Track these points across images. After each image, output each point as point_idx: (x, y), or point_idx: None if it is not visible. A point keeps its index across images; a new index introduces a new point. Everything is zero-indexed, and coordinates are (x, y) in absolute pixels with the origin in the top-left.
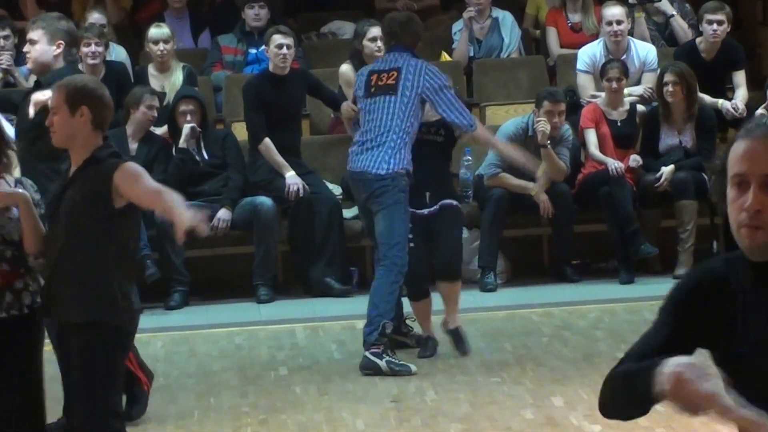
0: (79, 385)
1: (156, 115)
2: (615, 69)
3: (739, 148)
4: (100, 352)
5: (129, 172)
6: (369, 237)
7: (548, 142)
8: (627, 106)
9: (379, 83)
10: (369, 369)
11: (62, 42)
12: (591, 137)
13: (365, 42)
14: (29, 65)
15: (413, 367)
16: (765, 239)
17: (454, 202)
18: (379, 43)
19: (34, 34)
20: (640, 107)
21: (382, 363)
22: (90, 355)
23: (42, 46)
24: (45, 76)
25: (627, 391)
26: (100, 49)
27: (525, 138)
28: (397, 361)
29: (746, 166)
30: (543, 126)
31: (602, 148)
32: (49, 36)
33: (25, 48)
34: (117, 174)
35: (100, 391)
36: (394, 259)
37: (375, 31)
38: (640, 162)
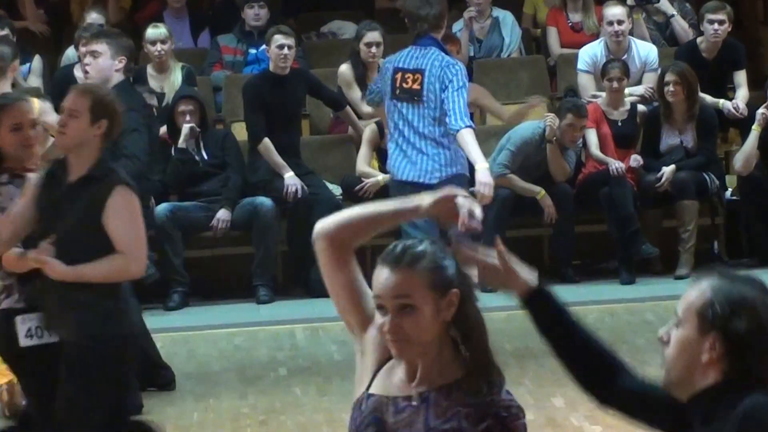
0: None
1: (156, 114)
2: (616, 69)
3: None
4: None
5: (120, 202)
6: None
7: (554, 138)
8: (628, 106)
9: (404, 85)
10: None
11: (125, 58)
12: (592, 137)
13: (361, 45)
14: (89, 77)
15: None
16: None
17: None
18: (374, 50)
19: (98, 47)
20: (641, 107)
21: None
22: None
23: (105, 60)
24: None
25: None
26: None
27: (541, 143)
28: None
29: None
30: (551, 121)
31: (603, 148)
32: (113, 51)
33: (87, 60)
34: (110, 199)
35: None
36: None
37: (372, 36)
38: (641, 162)
